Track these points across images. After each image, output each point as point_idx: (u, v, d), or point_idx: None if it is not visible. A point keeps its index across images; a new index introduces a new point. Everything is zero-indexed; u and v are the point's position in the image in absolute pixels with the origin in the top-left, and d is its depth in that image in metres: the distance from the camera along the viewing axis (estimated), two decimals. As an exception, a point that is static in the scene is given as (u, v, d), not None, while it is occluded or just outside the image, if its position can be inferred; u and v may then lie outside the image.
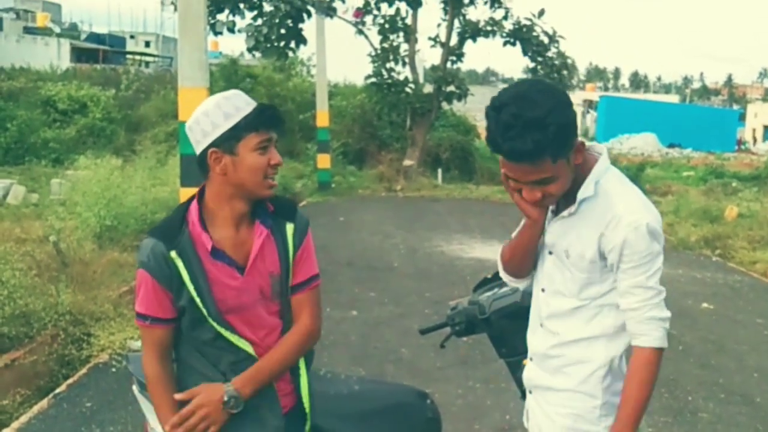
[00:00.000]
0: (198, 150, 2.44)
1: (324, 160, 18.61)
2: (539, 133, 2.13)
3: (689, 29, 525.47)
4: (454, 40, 19.70)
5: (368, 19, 19.57)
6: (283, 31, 18.23)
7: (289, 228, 2.57)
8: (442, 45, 19.66)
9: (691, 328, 7.72)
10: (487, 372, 6.06)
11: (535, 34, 19.20)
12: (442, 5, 19.62)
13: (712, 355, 7.01)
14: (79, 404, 5.40)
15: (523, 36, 19.18)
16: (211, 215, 2.46)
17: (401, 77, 19.75)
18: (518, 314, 2.86)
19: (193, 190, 2.57)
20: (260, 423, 2.50)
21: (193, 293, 2.39)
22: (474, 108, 26.41)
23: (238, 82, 22.77)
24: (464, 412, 5.45)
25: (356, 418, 2.91)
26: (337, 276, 9.43)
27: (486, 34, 19.34)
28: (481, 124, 27.65)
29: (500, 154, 2.23)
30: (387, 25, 19.41)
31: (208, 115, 2.40)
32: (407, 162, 19.91)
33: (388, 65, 19.50)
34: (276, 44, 18.41)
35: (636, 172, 21.02)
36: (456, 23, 19.55)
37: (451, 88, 19.56)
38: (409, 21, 19.65)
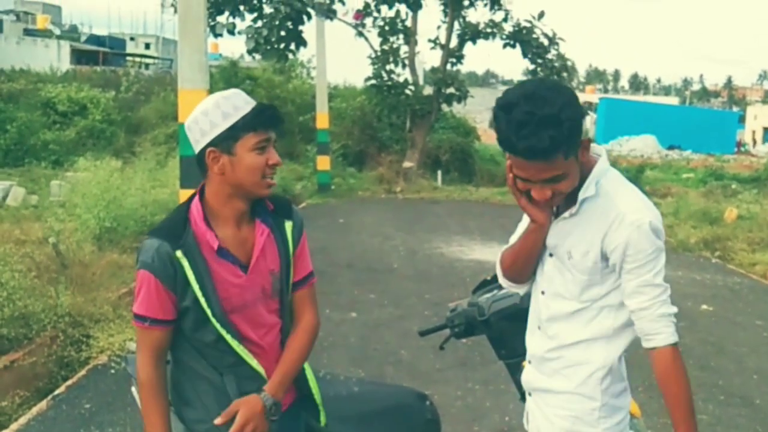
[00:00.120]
0: (196, 149, 2.43)
1: (324, 162, 18.61)
2: (554, 130, 2.13)
3: (689, 31, 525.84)
4: (453, 42, 19.71)
5: (368, 21, 19.59)
6: (283, 33, 18.24)
7: (288, 226, 2.59)
8: (442, 47, 19.67)
9: (690, 330, 7.72)
10: (487, 374, 6.07)
11: (535, 36, 19.20)
12: (442, 7, 19.65)
13: (712, 357, 7.01)
14: (78, 406, 5.40)
15: (522, 38, 19.19)
16: (214, 214, 2.46)
17: (401, 79, 19.77)
18: (517, 316, 2.86)
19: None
20: None
21: (198, 293, 2.38)
22: (474, 110, 26.50)
23: (238, 84, 22.76)
24: (463, 414, 5.45)
25: (356, 419, 2.91)
26: (336, 278, 9.44)
27: (486, 36, 19.35)
28: (481, 126, 27.78)
29: (515, 154, 2.21)
30: (387, 27, 19.43)
31: (207, 114, 2.39)
32: (407, 164, 19.92)
33: (388, 67, 19.52)
34: (276, 46, 18.42)
35: (635, 173, 21.03)
36: (456, 25, 19.56)
37: (451, 90, 19.57)
38: (409, 23, 19.66)
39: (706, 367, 6.74)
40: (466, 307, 3.15)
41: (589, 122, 56.11)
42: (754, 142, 65.37)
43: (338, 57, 21.36)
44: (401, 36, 19.63)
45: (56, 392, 5.61)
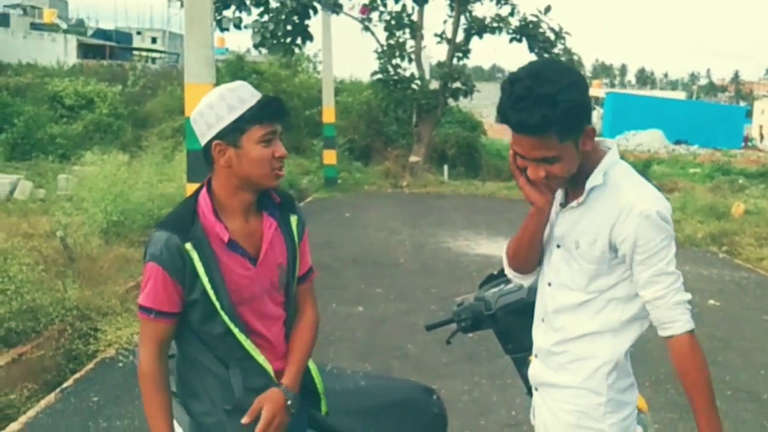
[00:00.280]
0: (202, 142, 2.43)
1: (330, 157, 18.62)
2: (548, 109, 2.15)
3: (696, 26, 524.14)
4: (460, 37, 19.70)
5: (374, 15, 19.60)
6: (289, 27, 18.24)
7: (293, 220, 2.60)
8: (449, 41, 19.65)
9: (697, 325, 7.62)
10: (493, 368, 6.07)
11: (541, 30, 19.17)
12: (448, 2, 19.61)
13: (719, 352, 7.00)
14: (86, 399, 5.42)
15: (529, 32, 19.16)
16: (222, 206, 2.46)
17: (407, 74, 19.77)
18: (524, 310, 2.86)
19: (200, 186, 2.56)
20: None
21: (207, 285, 2.38)
22: (480, 104, 26.43)
23: (245, 79, 22.61)
24: (470, 408, 5.46)
25: (362, 413, 2.92)
26: (343, 272, 9.44)
27: (492, 31, 19.33)
28: (487, 121, 27.72)
29: (509, 126, 2.25)
30: (393, 22, 19.43)
31: (213, 107, 2.39)
32: (413, 158, 19.91)
33: (394, 61, 19.52)
34: (282, 40, 18.41)
35: (642, 168, 20.97)
36: (462, 20, 19.54)
37: (457, 84, 19.57)
38: (415, 17, 19.65)
39: (713, 362, 6.73)
40: (473, 302, 3.16)
41: (596, 117, 56.02)
42: (762, 136, 65.11)
43: (344, 51, 21.37)
44: (407, 30, 19.62)
45: (64, 385, 5.64)
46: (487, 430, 5.17)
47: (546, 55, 19.23)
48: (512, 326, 3.05)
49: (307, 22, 18.40)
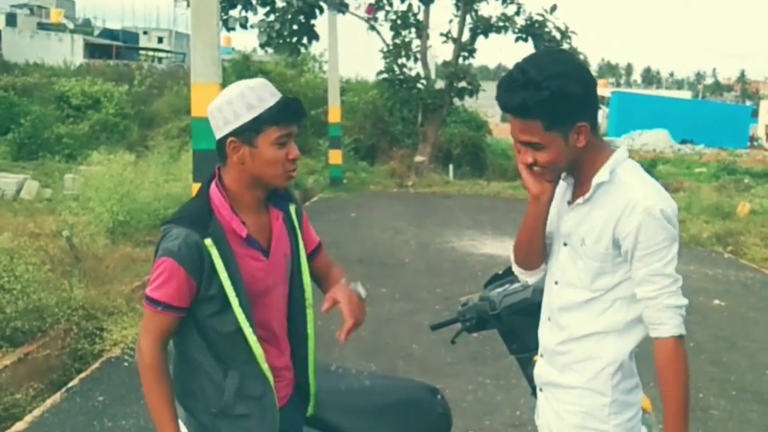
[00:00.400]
0: (217, 136, 2.43)
1: (335, 156, 18.61)
2: (530, 93, 2.21)
3: (702, 25, 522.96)
4: (465, 36, 19.67)
5: (380, 14, 19.56)
6: (295, 27, 18.24)
7: (292, 208, 2.64)
8: (454, 41, 19.63)
9: (702, 325, 7.70)
10: (498, 368, 6.07)
11: (547, 29, 19.13)
12: (454, 1, 19.57)
13: (724, 352, 6.99)
14: (92, 398, 5.43)
15: (535, 32, 19.12)
16: (235, 201, 2.46)
17: (413, 73, 19.74)
18: (529, 310, 2.86)
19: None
20: (260, 415, 2.50)
21: (227, 282, 2.37)
22: (486, 104, 26.33)
23: (251, 78, 22.76)
24: (475, 408, 5.46)
25: (367, 412, 2.92)
26: (348, 272, 9.33)
27: (498, 30, 19.29)
28: (492, 120, 27.68)
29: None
30: (399, 21, 19.40)
31: (231, 104, 2.39)
32: (418, 158, 19.90)
33: (399, 61, 19.49)
34: (288, 40, 18.42)
35: (648, 168, 20.77)
36: (468, 19, 19.50)
37: (463, 84, 19.54)
38: (421, 17, 19.62)
39: (718, 362, 6.73)
40: (478, 302, 3.16)
41: (601, 116, 55.80)
42: (767, 136, 64.93)
43: (350, 51, 21.35)
44: (413, 30, 19.59)
45: (70, 384, 5.65)
46: (492, 430, 5.17)
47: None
48: (517, 326, 3.05)
49: (313, 21, 18.41)
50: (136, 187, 10.23)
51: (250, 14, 18.21)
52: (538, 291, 2.73)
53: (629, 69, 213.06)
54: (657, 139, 45.41)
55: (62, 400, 5.39)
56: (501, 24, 19.19)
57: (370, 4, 19.46)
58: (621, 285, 2.38)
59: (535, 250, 2.54)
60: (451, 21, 19.71)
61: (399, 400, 3.02)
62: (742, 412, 5.63)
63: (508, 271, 3.14)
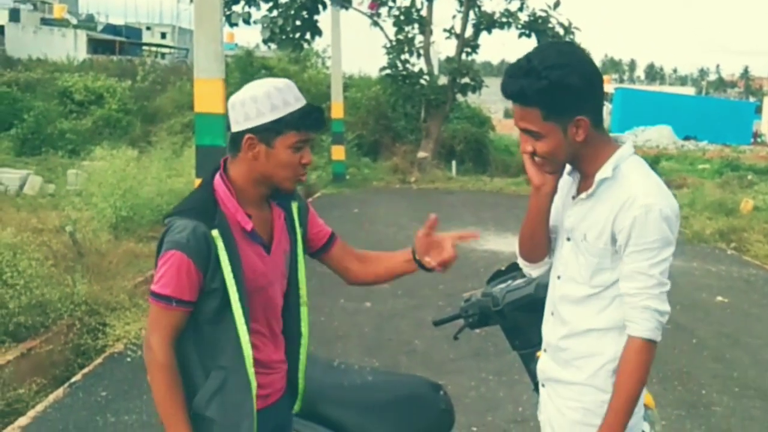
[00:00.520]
0: (234, 129, 2.43)
1: (338, 152, 18.61)
2: (530, 81, 2.24)
3: (706, 21, 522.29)
4: (469, 32, 19.65)
5: (383, 10, 19.55)
6: (298, 22, 18.24)
7: (294, 206, 2.64)
8: (457, 36, 19.61)
9: (705, 322, 7.70)
10: (500, 364, 6.07)
11: (550, 25, 19.10)
12: (457, -3, 19.57)
13: (727, 349, 6.99)
14: (95, 393, 5.44)
15: (538, 27, 19.10)
16: (241, 194, 2.45)
17: (416, 69, 19.73)
18: (532, 306, 2.86)
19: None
20: (235, 421, 2.43)
21: (228, 275, 2.36)
22: (489, 100, 26.37)
23: (254, 74, 22.78)
24: (477, 404, 5.47)
25: (369, 408, 2.92)
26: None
27: (501, 26, 19.27)
28: (495, 116, 27.69)
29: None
30: (402, 17, 19.39)
31: (256, 101, 2.38)
32: (421, 154, 19.90)
33: (402, 57, 19.49)
34: (291, 36, 18.40)
35: (651, 164, 20.85)
36: (471, 15, 19.48)
37: (466, 79, 19.53)
38: (424, 12, 19.61)
39: (721, 358, 6.73)
40: (480, 298, 3.16)
41: (605, 112, 55.72)
42: (771, 132, 64.81)
43: (353, 47, 21.34)
44: (416, 25, 19.59)
45: (73, 380, 5.66)
46: (494, 425, 5.17)
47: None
48: (519, 322, 3.05)
49: (316, 17, 18.40)
50: (138, 183, 10.24)
51: (253, 10, 18.23)
52: (541, 287, 2.73)
53: (632, 65, 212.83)
54: (660, 136, 45.39)
55: (65, 395, 5.39)
56: (504, 20, 19.17)
57: (373, 0, 19.44)
58: (619, 282, 2.38)
59: (539, 242, 2.55)
60: (454, 17, 19.71)
61: (401, 396, 3.03)
62: (745, 409, 5.62)
63: (511, 268, 3.14)
